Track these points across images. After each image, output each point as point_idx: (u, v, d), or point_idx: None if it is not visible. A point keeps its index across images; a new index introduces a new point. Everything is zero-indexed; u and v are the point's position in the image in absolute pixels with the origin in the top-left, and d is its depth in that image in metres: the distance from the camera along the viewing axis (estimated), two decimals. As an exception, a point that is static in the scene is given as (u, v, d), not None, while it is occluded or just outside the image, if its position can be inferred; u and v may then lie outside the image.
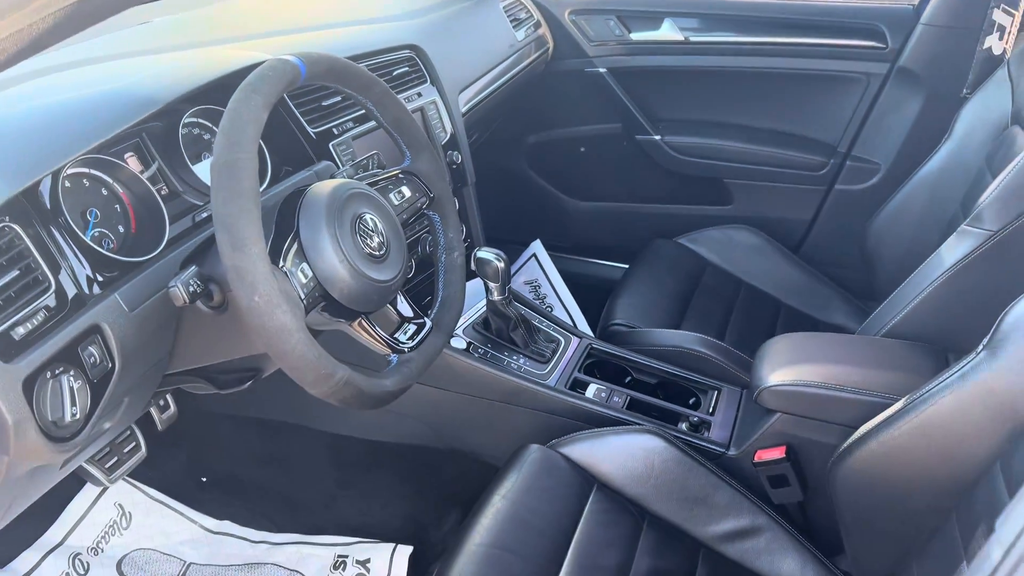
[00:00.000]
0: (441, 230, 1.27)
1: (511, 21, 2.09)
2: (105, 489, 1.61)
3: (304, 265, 1.00)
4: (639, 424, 1.47)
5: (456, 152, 1.67)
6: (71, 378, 0.90)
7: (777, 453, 1.39)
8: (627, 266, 2.09)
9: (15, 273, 0.89)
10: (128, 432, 1.57)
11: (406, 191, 1.21)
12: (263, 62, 1.00)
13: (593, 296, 2.13)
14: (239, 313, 0.91)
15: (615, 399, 1.54)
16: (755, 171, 2.19)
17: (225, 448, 1.81)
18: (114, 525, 1.60)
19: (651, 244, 2.10)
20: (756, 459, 1.40)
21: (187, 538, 1.64)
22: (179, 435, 1.76)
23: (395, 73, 1.58)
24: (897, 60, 2.00)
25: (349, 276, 1.02)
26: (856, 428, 1.16)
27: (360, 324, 1.09)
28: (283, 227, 1.03)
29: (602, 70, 2.25)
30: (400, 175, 1.22)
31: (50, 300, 0.92)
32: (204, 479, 1.78)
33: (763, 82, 2.15)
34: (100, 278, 0.98)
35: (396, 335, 1.14)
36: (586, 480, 1.36)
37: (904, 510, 1.10)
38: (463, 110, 1.75)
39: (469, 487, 1.71)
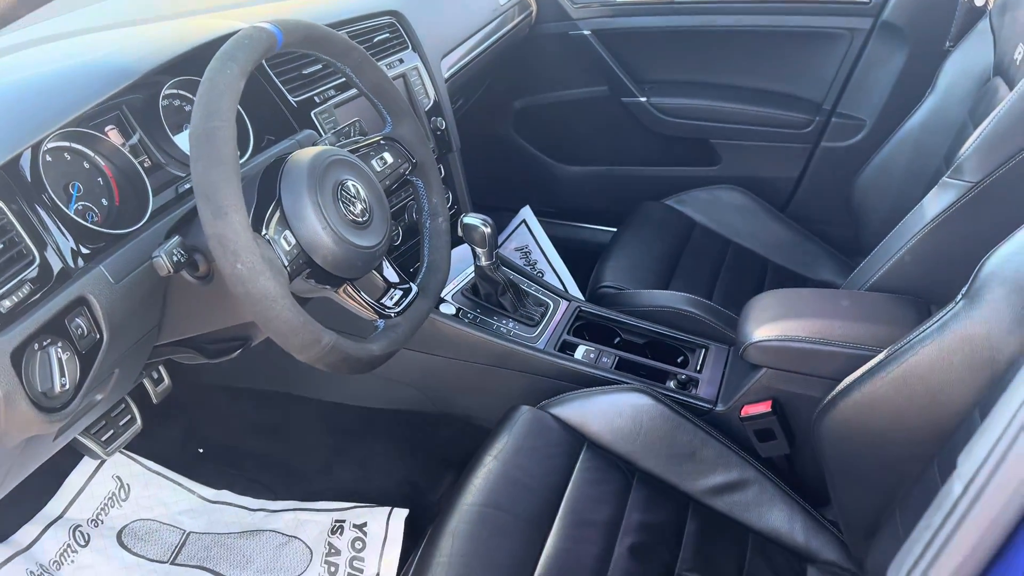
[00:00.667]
0: (425, 196, 1.28)
1: (494, -16, 2.07)
2: (103, 462, 1.63)
3: (287, 232, 1.00)
4: (628, 383, 1.48)
5: (440, 118, 1.67)
6: (59, 349, 0.91)
7: (763, 407, 1.40)
8: (615, 229, 2.10)
9: (-1, 247, 0.90)
10: (123, 405, 1.58)
11: (388, 157, 1.21)
12: (240, 30, 1.00)
13: (584, 260, 2.13)
14: (223, 282, 0.92)
15: (604, 360, 1.55)
16: (741, 131, 2.19)
17: (221, 419, 1.83)
18: (113, 497, 1.62)
19: (639, 207, 2.10)
20: (743, 414, 1.42)
21: (185, 508, 1.66)
22: (174, 407, 1.78)
23: (376, 40, 1.57)
24: (880, 15, 1.99)
25: (332, 243, 1.03)
26: (840, 381, 1.17)
27: (346, 290, 1.10)
28: (265, 195, 1.03)
29: (586, 32, 2.24)
30: (382, 141, 1.22)
31: (34, 273, 0.92)
32: (201, 450, 1.80)
33: (747, 41, 2.14)
34: (85, 250, 0.99)
35: (383, 300, 1.15)
36: (576, 439, 1.38)
37: (887, 459, 1.12)
38: (446, 76, 1.74)
39: (463, 449, 1.72)
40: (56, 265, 0.95)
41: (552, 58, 2.33)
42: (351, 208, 1.07)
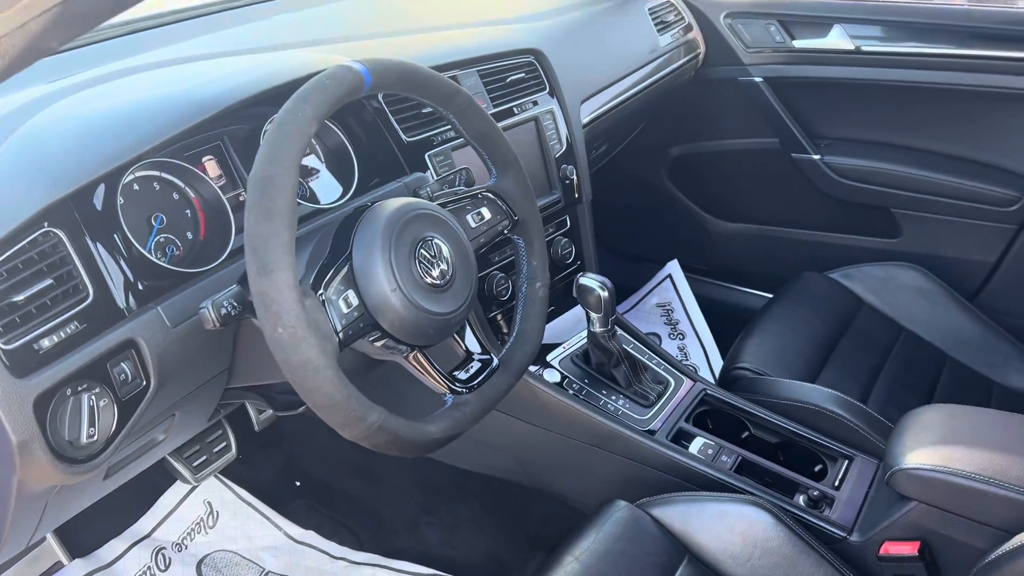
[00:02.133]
0: (524, 257, 1.15)
1: (657, 24, 1.92)
2: (195, 486, 1.61)
3: (350, 292, 0.91)
4: (747, 492, 1.28)
5: (570, 166, 1.54)
6: (94, 396, 0.86)
7: (909, 548, 1.16)
8: (771, 296, 1.87)
9: (48, 282, 0.85)
10: (220, 431, 1.56)
11: (486, 213, 1.09)
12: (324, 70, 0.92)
13: (732, 326, 1.92)
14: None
15: (723, 458, 1.35)
16: (930, 202, 1.90)
17: (319, 454, 1.78)
18: (201, 523, 1.61)
19: (798, 277, 1.87)
20: (882, 552, 1.18)
21: (269, 544, 1.62)
22: (277, 436, 1.76)
23: (509, 79, 1.46)
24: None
25: (401, 307, 0.92)
26: (1014, 534, 0.97)
27: (416, 357, 0.99)
28: (338, 248, 0.95)
29: (758, 79, 2.03)
30: (481, 194, 1.11)
31: (85, 311, 0.87)
32: (298, 483, 1.76)
33: (946, 100, 1.85)
34: (143, 289, 0.93)
35: (456, 372, 1.03)
36: (676, 550, 1.20)
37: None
38: (585, 121, 1.61)
39: (555, 531, 1.58)
40: (110, 303, 0.90)
41: (718, 105, 2.14)
42: (429, 269, 0.95)
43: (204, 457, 1.53)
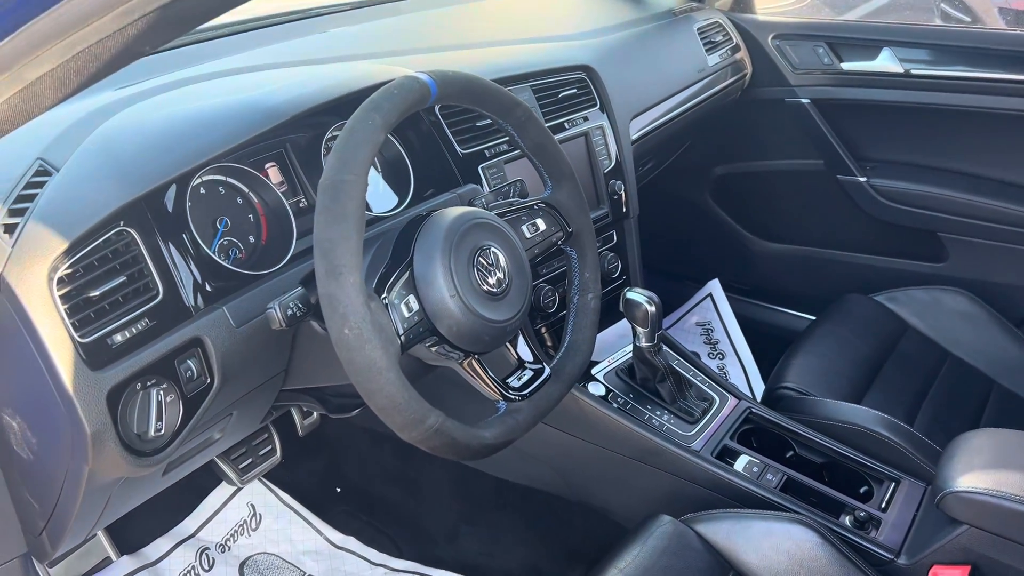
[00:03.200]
0: (577, 268, 1.16)
1: (705, 44, 1.94)
2: (240, 488, 1.64)
3: (411, 298, 0.93)
4: (793, 511, 1.27)
5: (619, 182, 1.55)
6: (162, 391, 0.88)
7: (959, 573, 1.14)
8: (814, 318, 1.86)
9: (122, 279, 0.88)
10: (266, 435, 1.59)
11: (541, 224, 1.11)
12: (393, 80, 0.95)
13: (773, 348, 1.92)
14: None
15: (768, 476, 1.34)
16: (979, 227, 1.88)
17: (361, 461, 1.80)
18: (244, 525, 1.63)
19: (842, 299, 1.85)
20: (931, 575, 1.16)
21: (311, 548, 1.63)
22: (320, 442, 1.78)
23: (561, 95, 1.48)
24: None
25: (459, 313, 0.94)
26: None
27: (470, 364, 1.00)
28: (399, 254, 0.97)
29: (805, 101, 2.03)
30: (537, 206, 1.12)
31: (155, 309, 0.90)
32: (339, 489, 1.78)
33: (995, 125, 1.83)
34: (210, 289, 0.96)
35: (509, 380, 1.04)
36: (720, 567, 1.19)
37: None
38: (634, 137, 1.62)
39: (595, 546, 1.58)
40: (178, 302, 0.93)
41: (763, 125, 2.14)
42: (487, 277, 0.97)
43: (250, 460, 1.56)
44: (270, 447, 1.59)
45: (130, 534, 1.52)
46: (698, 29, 1.94)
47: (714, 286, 2.31)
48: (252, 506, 1.65)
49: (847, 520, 1.29)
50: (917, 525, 1.27)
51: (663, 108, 1.74)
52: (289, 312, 0.91)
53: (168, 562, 1.52)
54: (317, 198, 0.85)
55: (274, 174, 1.12)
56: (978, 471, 1.14)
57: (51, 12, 0.65)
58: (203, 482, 1.65)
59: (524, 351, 1.08)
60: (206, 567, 1.54)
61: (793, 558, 1.18)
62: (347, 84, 1.12)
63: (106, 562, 1.47)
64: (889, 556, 1.22)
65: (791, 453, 1.43)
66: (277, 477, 1.70)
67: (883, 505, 1.31)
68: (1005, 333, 1.78)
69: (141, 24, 0.65)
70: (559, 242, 1.14)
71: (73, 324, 0.83)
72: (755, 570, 1.19)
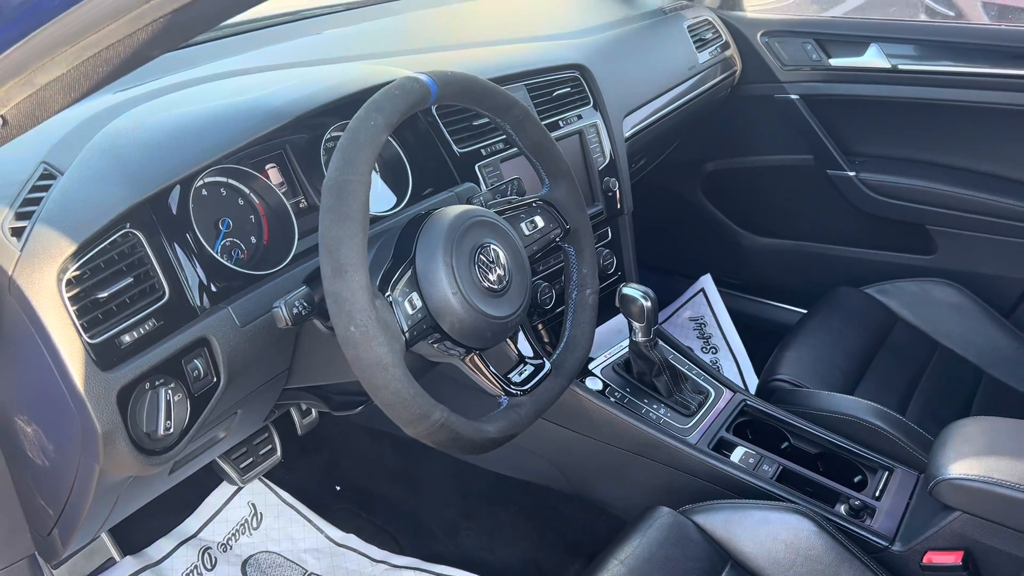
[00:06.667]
0: (575, 264, 1.18)
1: (695, 41, 1.96)
2: (240, 487, 1.65)
3: (414, 295, 0.94)
4: (789, 501, 1.29)
5: (613, 179, 1.57)
6: (170, 391, 0.90)
7: (952, 558, 1.17)
8: (806, 311, 1.89)
9: (129, 280, 0.89)
10: (266, 434, 1.60)
11: (539, 221, 1.13)
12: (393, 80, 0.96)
13: (765, 341, 1.95)
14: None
15: (764, 467, 1.37)
16: (966, 219, 1.91)
17: (360, 459, 1.81)
18: (245, 524, 1.64)
19: (834, 292, 1.88)
20: (925, 561, 1.19)
21: (312, 546, 1.65)
22: (319, 441, 1.79)
23: (555, 94, 1.50)
24: None
25: (461, 309, 0.95)
26: None
27: (472, 360, 1.02)
28: (401, 252, 0.98)
29: (794, 96, 2.06)
30: (535, 203, 1.14)
31: (162, 309, 0.91)
32: (338, 488, 1.79)
33: (982, 118, 1.86)
34: (215, 289, 0.97)
35: (510, 375, 1.05)
36: (719, 556, 1.21)
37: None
38: (627, 134, 1.64)
39: (594, 538, 1.60)
40: (184, 302, 0.94)
41: (753, 121, 2.17)
42: (487, 274, 0.99)
43: (251, 459, 1.57)
44: (270, 446, 1.60)
45: (133, 535, 1.53)
46: (688, 27, 1.96)
47: (706, 281, 2.33)
48: (253, 505, 1.66)
49: (842, 509, 1.31)
50: (911, 512, 1.30)
51: (655, 105, 1.76)
52: (294, 311, 0.92)
53: (171, 562, 1.53)
54: (322, 198, 0.87)
55: (274, 175, 1.14)
56: (969, 458, 1.16)
57: (61, 18, 0.67)
58: (204, 482, 1.66)
59: (524, 347, 1.10)
60: (208, 566, 1.55)
61: (790, 547, 1.20)
62: (347, 85, 1.13)
63: (110, 563, 1.48)
64: (884, 543, 1.25)
65: (786, 444, 1.45)
66: (277, 476, 1.71)
67: (877, 494, 1.34)
68: (993, 323, 1.81)
69: (151, 29, 0.67)
70: (557, 239, 1.15)
71: (82, 325, 0.84)
72: (753, 559, 1.21)
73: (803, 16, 2.14)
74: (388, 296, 0.92)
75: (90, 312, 0.86)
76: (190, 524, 1.60)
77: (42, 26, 0.67)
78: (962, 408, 1.61)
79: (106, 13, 0.65)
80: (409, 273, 0.96)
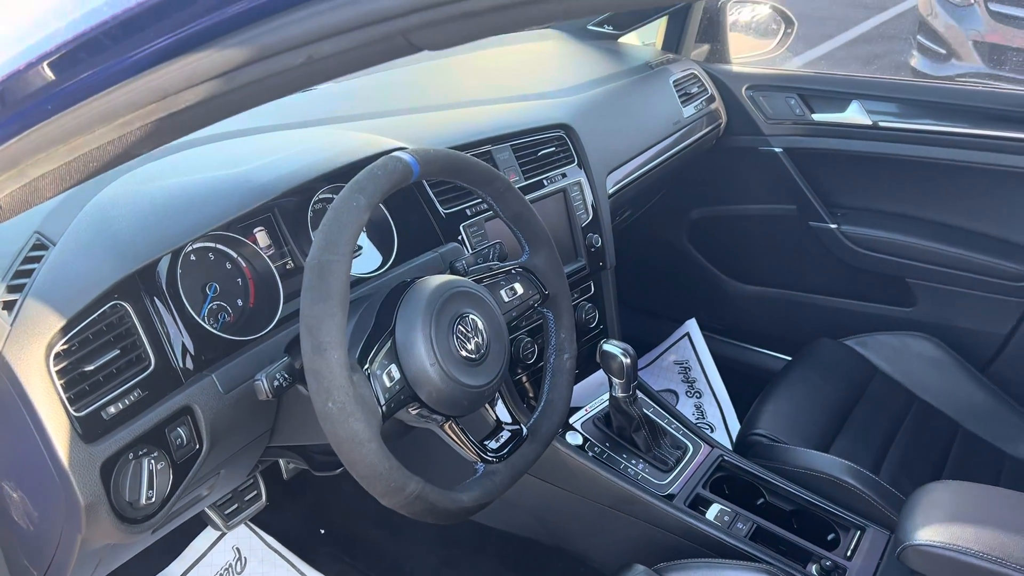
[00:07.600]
0: (553, 329, 1.21)
1: (681, 96, 2.00)
2: (225, 532, 1.66)
3: (392, 367, 0.97)
4: (762, 560, 1.32)
5: (596, 235, 1.60)
6: (153, 460, 0.92)
7: (920, 624, 1.19)
8: (788, 358, 1.92)
9: (116, 352, 0.92)
10: (251, 480, 1.62)
11: (519, 288, 1.16)
12: (391, 150, 1.00)
13: (748, 386, 1.97)
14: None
15: (739, 525, 1.39)
16: (944, 274, 1.95)
17: (344, 503, 1.83)
18: (229, 568, 1.66)
19: (814, 344, 1.91)
20: (894, 626, 1.21)
21: (295, 591, 1.66)
22: (304, 484, 1.81)
23: (540, 153, 1.54)
24: None
25: (439, 380, 0.98)
26: None
27: (451, 426, 1.05)
28: (381, 321, 1.01)
29: (777, 149, 2.10)
30: (515, 271, 1.17)
31: (147, 379, 0.94)
32: (323, 531, 1.81)
33: (961, 176, 1.91)
34: (201, 357, 1.00)
35: (486, 442, 1.08)
36: (691, 615, 1.23)
37: None
38: (611, 191, 1.68)
39: (573, 590, 1.62)
40: (169, 371, 0.97)
41: (738, 171, 2.21)
42: (466, 344, 1.02)
43: (236, 505, 1.58)
44: (255, 492, 1.61)
45: (117, 580, 1.55)
46: (674, 81, 2.01)
47: (691, 325, 2.37)
48: (237, 550, 1.68)
49: (814, 569, 1.34)
50: (881, 573, 1.32)
51: (639, 161, 1.80)
52: (275, 383, 0.95)
53: (154, 607, 1.55)
54: (304, 276, 0.90)
55: (262, 238, 1.16)
56: (936, 524, 1.18)
57: (55, 119, 0.70)
58: (188, 527, 1.67)
59: (502, 411, 1.13)
60: (192, 612, 1.57)
61: (761, 607, 1.22)
62: (334, 160, 1.17)
63: (93, 609, 1.49)
64: (853, 605, 1.27)
65: (762, 500, 1.48)
66: (262, 519, 1.73)
67: (848, 554, 1.36)
68: (970, 378, 1.84)
69: (139, 132, 0.70)
70: (536, 304, 1.18)
71: (69, 398, 0.87)
72: (725, 619, 1.23)
73: (787, 71, 2.20)
74: (366, 370, 0.95)
75: (77, 385, 0.88)
76: (174, 569, 1.62)
77: (37, 124, 0.71)
78: (937, 464, 1.64)
79: (97, 117, 0.68)
80: (388, 344, 0.98)
